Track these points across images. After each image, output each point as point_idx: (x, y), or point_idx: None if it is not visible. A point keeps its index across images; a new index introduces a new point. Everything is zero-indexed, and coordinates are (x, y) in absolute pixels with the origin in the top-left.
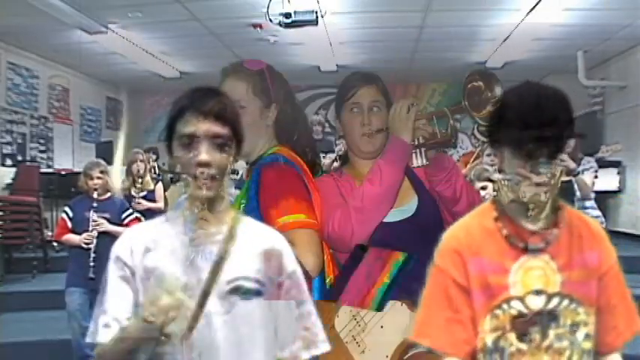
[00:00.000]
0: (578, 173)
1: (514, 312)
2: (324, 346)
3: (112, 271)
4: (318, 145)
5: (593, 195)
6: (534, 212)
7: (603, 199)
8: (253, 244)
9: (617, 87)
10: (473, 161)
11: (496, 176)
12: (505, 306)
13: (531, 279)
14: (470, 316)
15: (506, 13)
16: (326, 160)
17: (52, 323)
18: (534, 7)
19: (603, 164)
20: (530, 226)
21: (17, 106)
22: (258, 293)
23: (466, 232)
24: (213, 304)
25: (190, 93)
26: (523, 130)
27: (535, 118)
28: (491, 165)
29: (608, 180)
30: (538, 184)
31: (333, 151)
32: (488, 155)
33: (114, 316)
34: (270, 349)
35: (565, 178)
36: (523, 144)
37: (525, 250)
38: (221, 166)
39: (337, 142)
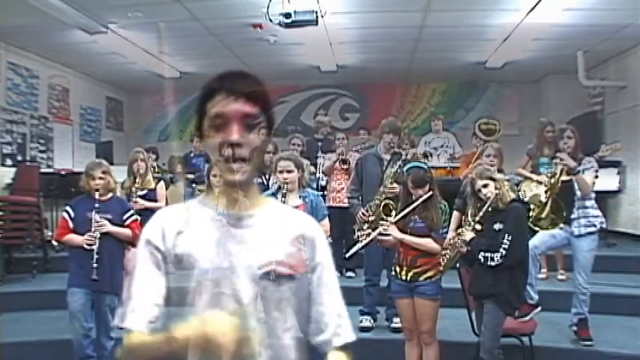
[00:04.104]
0: (579, 172)
1: None
2: (351, 335)
3: (142, 255)
4: (319, 145)
5: (593, 195)
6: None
7: (603, 199)
8: (285, 228)
9: (617, 87)
10: (474, 161)
11: (497, 176)
12: None
13: None
14: None
15: (506, 13)
16: (326, 160)
17: (52, 323)
18: (534, 7)
19: (603, 164)
20: None
21: (17, 106)
22: (290, 277)
23: None
24: (244, 288)
25: (220, 75)
26: None
27: None
28: (491, 165)
29: (608, 180)
30: None
31: (333, 151)
32: (487, 156)
33: (143, 300)
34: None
35: (565, 178)
36: None
37: None
38: (252, 147)
39: (337, 142)
